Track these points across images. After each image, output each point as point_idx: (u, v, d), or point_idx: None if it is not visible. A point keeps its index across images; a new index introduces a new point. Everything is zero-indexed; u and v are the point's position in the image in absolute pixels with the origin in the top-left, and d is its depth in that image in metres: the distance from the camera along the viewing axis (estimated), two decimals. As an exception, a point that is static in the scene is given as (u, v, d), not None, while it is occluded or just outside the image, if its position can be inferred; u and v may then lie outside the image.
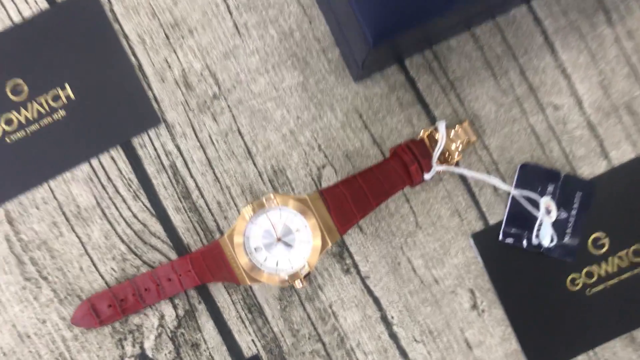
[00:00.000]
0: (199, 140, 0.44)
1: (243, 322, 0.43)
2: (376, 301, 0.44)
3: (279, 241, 0.39)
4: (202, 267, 0.40)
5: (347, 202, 0.39)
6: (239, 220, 0.38)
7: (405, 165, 0.40)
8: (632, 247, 0.44)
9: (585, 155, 0.44)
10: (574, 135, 0.44)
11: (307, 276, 0.38)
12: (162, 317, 0.42)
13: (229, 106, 0.44)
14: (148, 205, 0.43)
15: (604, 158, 0.44)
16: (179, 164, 0.44)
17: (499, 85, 0.44)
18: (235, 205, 0.44)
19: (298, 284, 0.38)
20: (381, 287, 0.44)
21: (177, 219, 0.43)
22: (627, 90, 0.44)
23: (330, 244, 0.38)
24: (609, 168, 0.44)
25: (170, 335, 0.42)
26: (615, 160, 0.45)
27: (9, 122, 0.43)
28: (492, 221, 0.44)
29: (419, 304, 0.44)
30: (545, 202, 0.41)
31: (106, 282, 0.43)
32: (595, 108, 0.44)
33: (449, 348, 0.44)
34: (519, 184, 0.43)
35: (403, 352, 0.44)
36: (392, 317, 0.44)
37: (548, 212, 0.41)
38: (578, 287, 0.43)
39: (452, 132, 0.42)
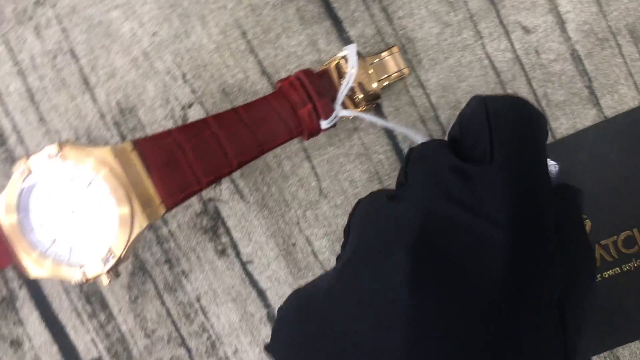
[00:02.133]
0: (17, 64, 0.33)
1: (80, 316, 0.33)
2: (261, 294, 0.33)
3: (73, 215, 0.26)
4: (3, 244, 0.28)
5: (184, 158, 0.26)
6: (10, 184, 0.25)
7: (293, 106, 0.28)
8: (623, 235, 0.31)
9: (567, 100, 0.32)
10: (550, 71, 0.32)
11: (115, 268, 0.25)
12: (-28, 305, 0.33)
13: (57, 16, 0.32)
14: (-50, 153, 0.33)
15: (592, 105, 0.31)
16: (-10, 96, 0.33)
17: (446, -6, 0.32)
18: (68, 156, 0.31)
19: (104, 281, 0.25)
20: (268, 276, 0.33)
21: (-13, 174, 0.33)
22: (634, 6, 0.31)
23: (146, 222, 0.25)
24: (598, 119, 0.31)
25: (-17, 329, 0.33)
26: (608, 110, 0.31)
27: None
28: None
29: (316, 302, 0.32)
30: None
31: None
32: (585, 32, 0.31)
33: None
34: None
35: (295, 365, 0.33)
36: (282, 318, 0.32)
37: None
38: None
39: (375, 61, 0.30)
